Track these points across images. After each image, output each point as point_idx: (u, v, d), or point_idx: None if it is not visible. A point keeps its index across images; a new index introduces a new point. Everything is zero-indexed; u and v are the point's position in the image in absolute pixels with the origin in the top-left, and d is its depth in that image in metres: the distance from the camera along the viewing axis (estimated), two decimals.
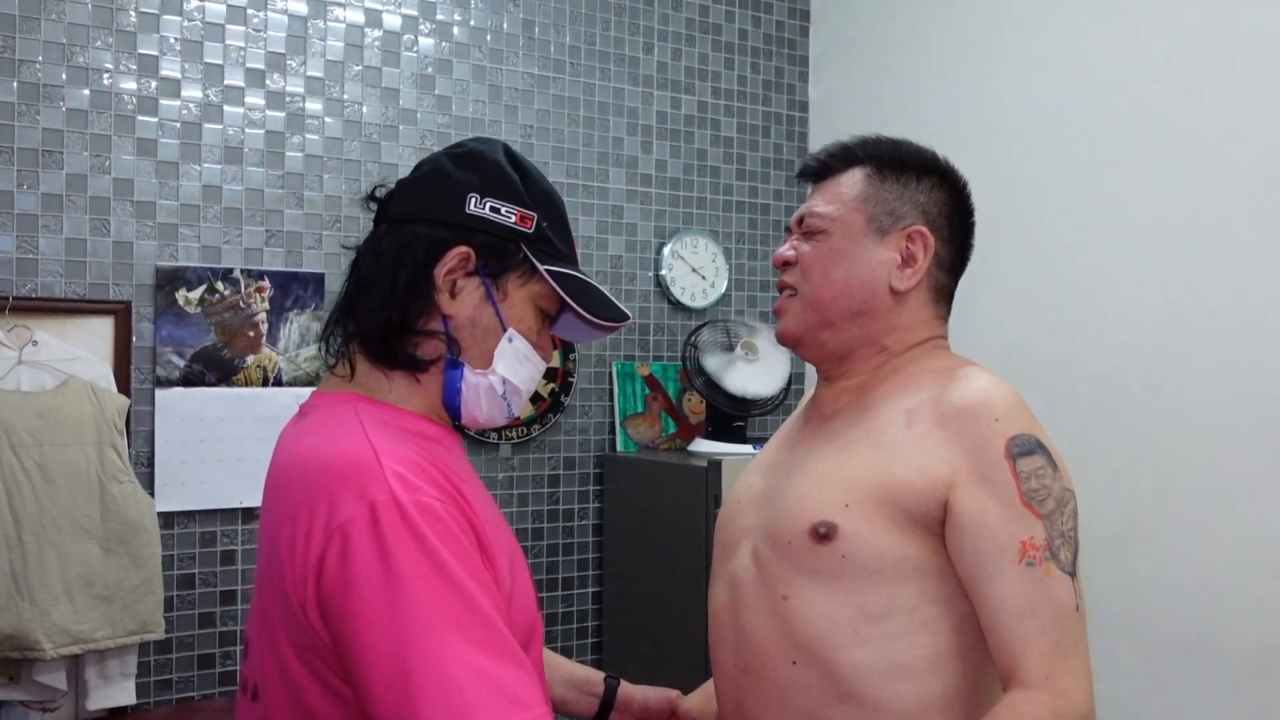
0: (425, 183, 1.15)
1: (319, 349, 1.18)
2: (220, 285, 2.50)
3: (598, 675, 1.46)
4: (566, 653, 2.98)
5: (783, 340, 1.34)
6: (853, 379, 1.30)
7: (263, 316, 2.55)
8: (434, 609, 0.91)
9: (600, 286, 1.18)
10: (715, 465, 2.52)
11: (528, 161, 1.18)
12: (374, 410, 1.08)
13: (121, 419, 2.31)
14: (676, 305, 3.16)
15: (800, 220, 1.33)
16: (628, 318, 1.18)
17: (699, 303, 3.19)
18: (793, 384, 3.01)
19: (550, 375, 2.95)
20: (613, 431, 3.06)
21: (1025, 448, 1.13)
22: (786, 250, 1.32)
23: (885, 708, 1.14)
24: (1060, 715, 1.04)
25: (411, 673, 0.89)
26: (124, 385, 2.38)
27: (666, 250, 3.13)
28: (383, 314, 1.09)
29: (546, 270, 1.12)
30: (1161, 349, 2.29)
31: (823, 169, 1.34)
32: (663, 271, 3.13)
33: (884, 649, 1.15)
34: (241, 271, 2.53)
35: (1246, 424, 2.14)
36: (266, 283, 2.55)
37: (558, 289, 1.13)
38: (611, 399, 3.07)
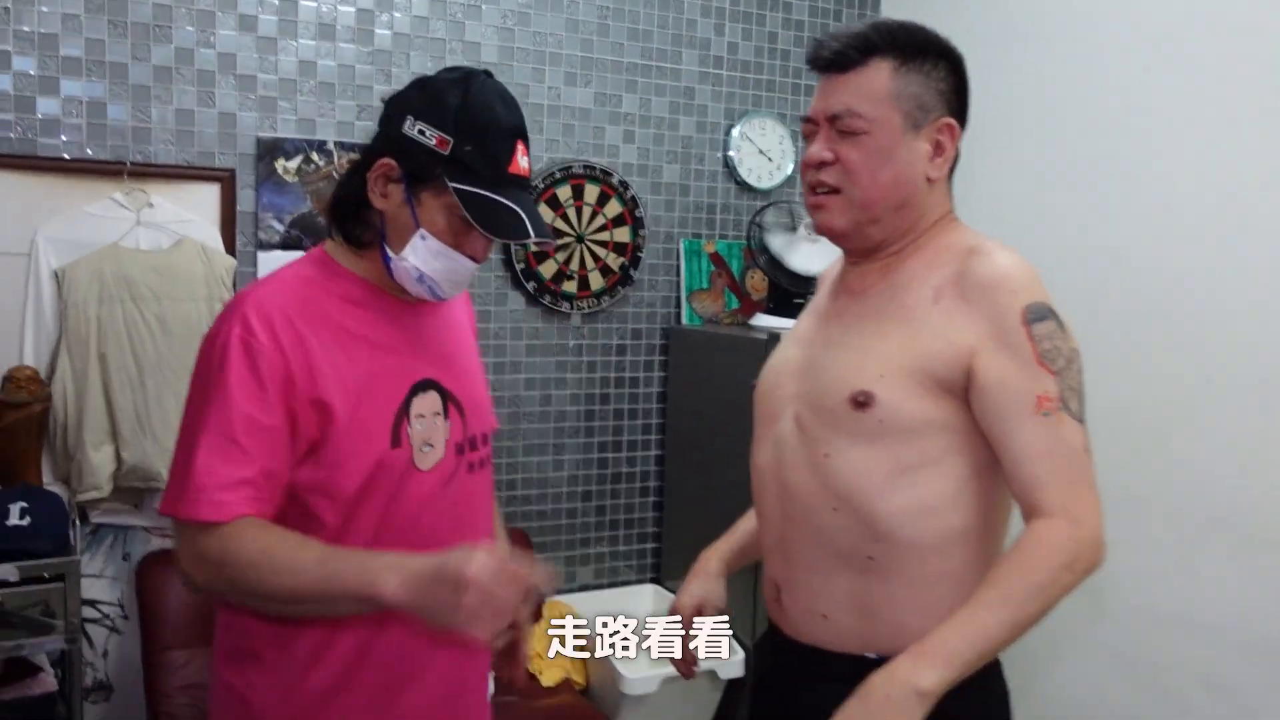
0: (394, 100, 1.39)
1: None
2: (315, 156, 2.67)
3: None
4: (629, 509, 3.20)
5: (824, 233, 1.41)
6: (879, 260, 1.41)
7: None
8: (205, 403, 1.29)
9: (516, 207, 1.34)
10: (775, 339, 2.64)
11: (485, 93, 1.35)
12: (313, 265, 1.41)
13: (230, 277, 2.51)
14: (743, 186, 3.27)
15: (833, 118, 1.35)
16: (525, 236, 1.34)
17: (765, 184, 3.29)
18: None
19: (620, 250, 3.09)
20: (678, 305, 3.21)
21: (1039, 314, 1.26)
22: (824, 152, 1.36)
23: (914, 541, 1.31)
24: (1076, 540, 1.20)
25: (181, 436, 1.31)
26: (229, 247, 2.58)
27: (735, 132, 3.22)
28: (335, 198, 1.42)
29: (454, 187, 1.32)
30: (1208, 236, 2.35)
31: (840, 58, 1.34)
32: (731, 152, 3.23)
33: (914, 494, 1.31)
34: (335, 144, 2.69)
35: None
36: (358, 155, 2.70)
37: (458, 202, 1.32)
38: (678, 274, 3.21)
